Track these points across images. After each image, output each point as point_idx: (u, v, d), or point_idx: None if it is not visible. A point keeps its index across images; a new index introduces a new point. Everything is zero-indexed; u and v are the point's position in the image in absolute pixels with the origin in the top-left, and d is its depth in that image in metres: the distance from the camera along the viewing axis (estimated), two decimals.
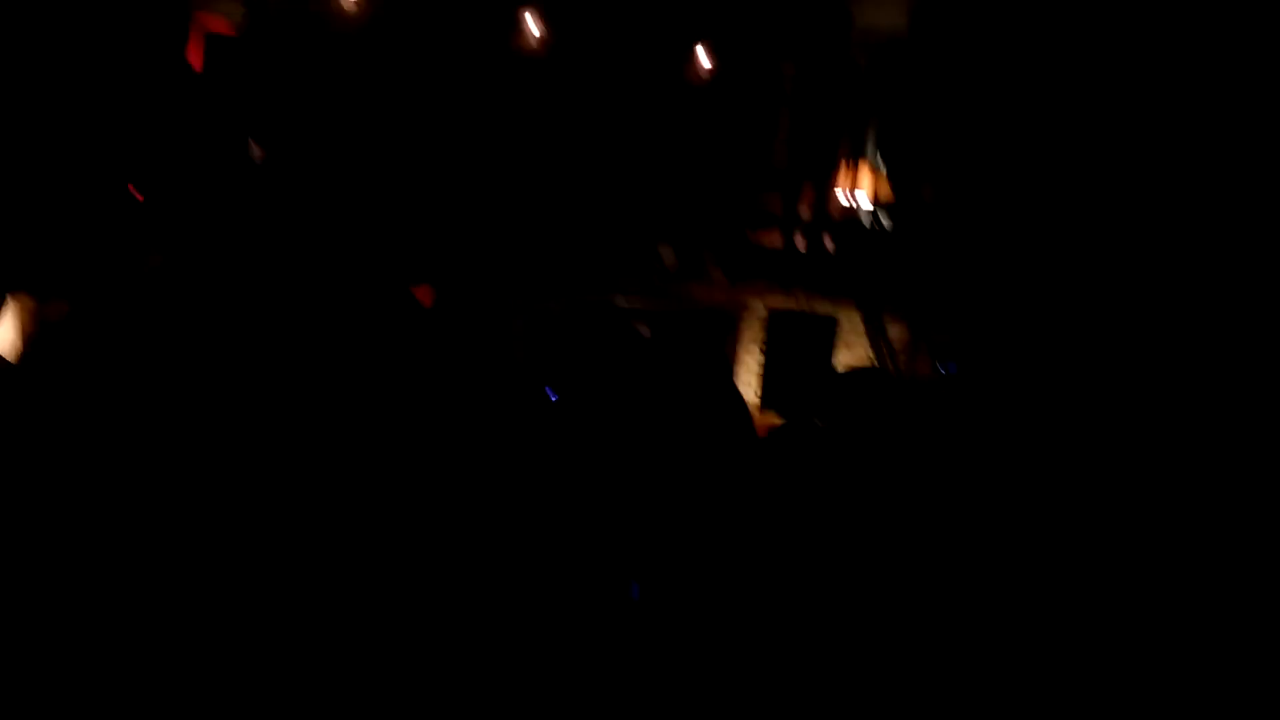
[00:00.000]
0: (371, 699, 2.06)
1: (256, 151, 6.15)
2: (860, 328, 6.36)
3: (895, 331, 6.26)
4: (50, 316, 3.17)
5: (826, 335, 6.00)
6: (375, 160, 5.98)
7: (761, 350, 6.38)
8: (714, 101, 6.45)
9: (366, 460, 2.50)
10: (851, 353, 6.32)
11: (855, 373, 3.39)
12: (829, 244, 6.35)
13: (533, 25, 6.66)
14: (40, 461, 2.12)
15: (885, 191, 6.66)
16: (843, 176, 6.62)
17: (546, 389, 4.43)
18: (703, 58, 6.55)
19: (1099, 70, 5.89)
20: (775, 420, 4.37)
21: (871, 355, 6.37)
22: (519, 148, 6.11)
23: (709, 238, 6.19)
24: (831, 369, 5.83)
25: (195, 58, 6.29)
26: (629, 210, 6.12)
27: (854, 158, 6.85)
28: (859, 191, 6.85)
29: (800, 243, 6.35)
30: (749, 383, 6.27)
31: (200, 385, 2.40)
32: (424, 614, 2.22)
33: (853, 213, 6.60)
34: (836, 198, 6.64)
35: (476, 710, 2.13)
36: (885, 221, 6.44)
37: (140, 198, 5.53)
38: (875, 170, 6.68)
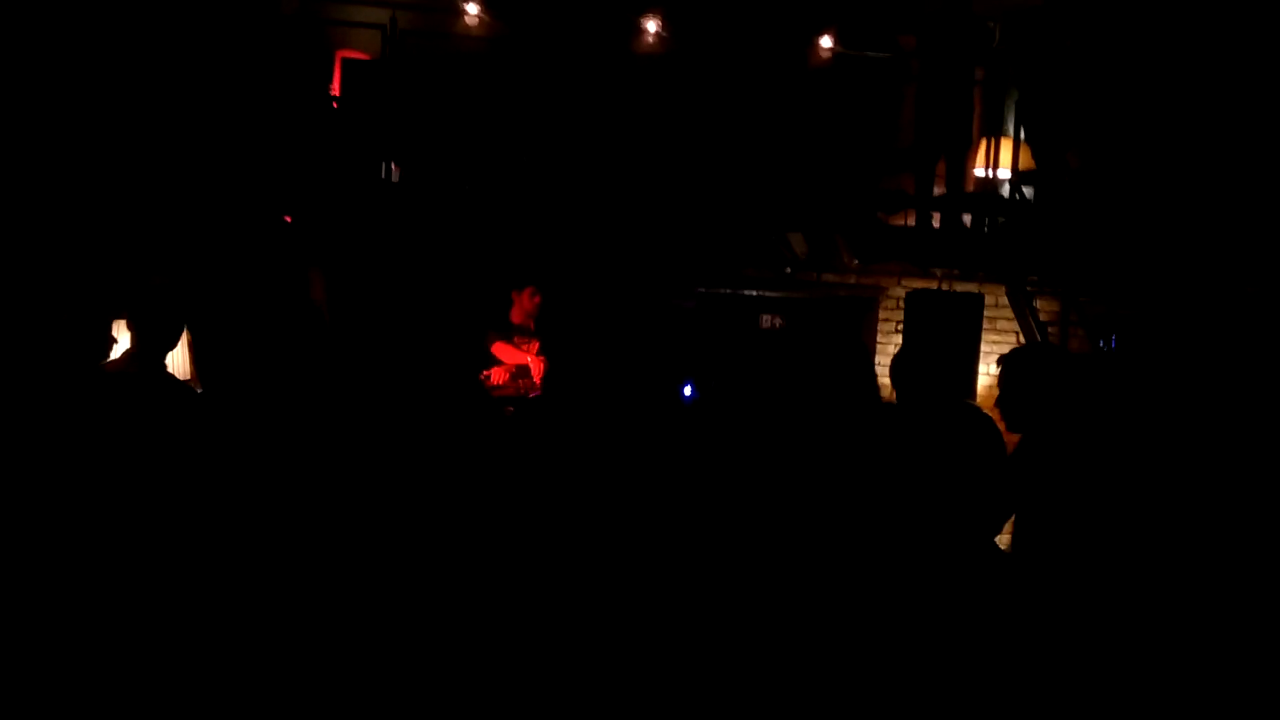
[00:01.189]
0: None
1: (394, 171, 6.41)
2: (1005, 303, 6.08)
3: (1044, 304, 5.95)
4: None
5: (972, 313, 5.73)
6: (503, 169, 6.12)
7: (899, 333, 6.18)
8: (834, 82, 6.30)
9: (505, 456, 2.55)
10: (998, 331, 6.05)
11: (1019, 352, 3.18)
12: (966, 219, 6.08)
13: (651, 27, 6.69)
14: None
15: (1026, 161, 6.35)
16: (979, 148, 6.35)
17: (683, 386, 4.41)
18: (822, 39, 6.41)
19: (1250, 19, 5.44)
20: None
21: (1020, 332, 6.07)
22: (641, 146, 6.13)
23: (838, 222, 6.04)
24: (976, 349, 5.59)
25: (334, 84, 6.60)
26: (754, 200, 6.05)
27: (990, 128, 6.57)
28: (997, 163, 6.55)
29: (935, 220, 6.11)
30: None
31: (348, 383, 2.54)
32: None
33: (991, 185, 6.32)
34: (971, 171, 6.38)
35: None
36: (1027, 192, 6.12)
37: (289, 219, 5.86)
38: (1014, 140, 6.37)
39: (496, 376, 5.12)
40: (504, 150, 6.17)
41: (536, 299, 5.57)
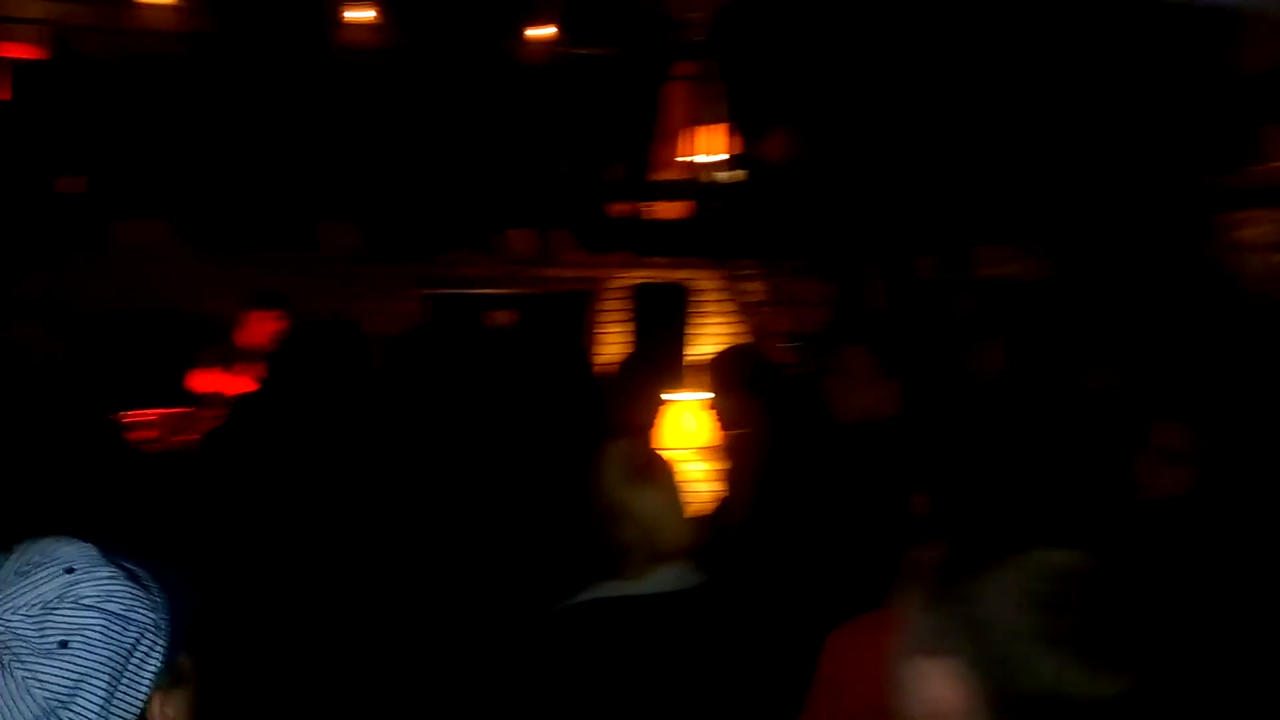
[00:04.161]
0: None
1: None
2: (719, 289, 6.27)
3: (753, 287, 6.17)
4: None
5: (680, 302, 5.86)
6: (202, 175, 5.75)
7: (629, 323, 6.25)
8: (551, 78, 6.28)
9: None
10: (709, 317, 6.23)
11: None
12: (676, 209, 6.22)
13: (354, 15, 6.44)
14: None
15: (737, 145, 6.52)
16: (688, 136, 6.50)
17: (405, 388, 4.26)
18: (538, 35, 6.38)
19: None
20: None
21: (730, 316, 6.27)
22: (353, 146, 5.90)
23: (556, 217, 6.04)
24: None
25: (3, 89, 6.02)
26: (473, 198, 5.95)
27: (706, 116, 6.73)
28: (711, 150, 6.73)
29: (647, 210, 6.22)
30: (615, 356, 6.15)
31: None
32: None
33: (703, 171, 6.47)
34: (682, 160, 6.52)
35: None
36: (728, 175, 6.31)
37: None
38: (722, 125, 6.54)
39: (146, 433, 4.18)
40: (199, 157, 5.79)
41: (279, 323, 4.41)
